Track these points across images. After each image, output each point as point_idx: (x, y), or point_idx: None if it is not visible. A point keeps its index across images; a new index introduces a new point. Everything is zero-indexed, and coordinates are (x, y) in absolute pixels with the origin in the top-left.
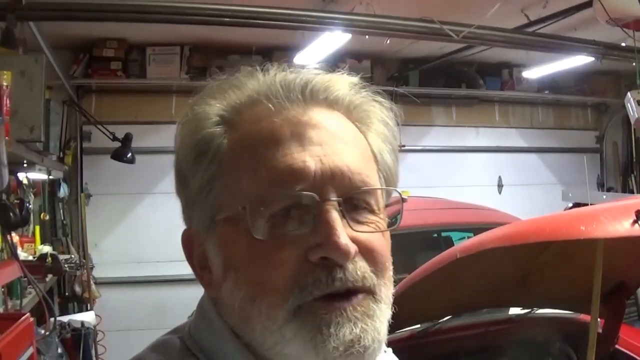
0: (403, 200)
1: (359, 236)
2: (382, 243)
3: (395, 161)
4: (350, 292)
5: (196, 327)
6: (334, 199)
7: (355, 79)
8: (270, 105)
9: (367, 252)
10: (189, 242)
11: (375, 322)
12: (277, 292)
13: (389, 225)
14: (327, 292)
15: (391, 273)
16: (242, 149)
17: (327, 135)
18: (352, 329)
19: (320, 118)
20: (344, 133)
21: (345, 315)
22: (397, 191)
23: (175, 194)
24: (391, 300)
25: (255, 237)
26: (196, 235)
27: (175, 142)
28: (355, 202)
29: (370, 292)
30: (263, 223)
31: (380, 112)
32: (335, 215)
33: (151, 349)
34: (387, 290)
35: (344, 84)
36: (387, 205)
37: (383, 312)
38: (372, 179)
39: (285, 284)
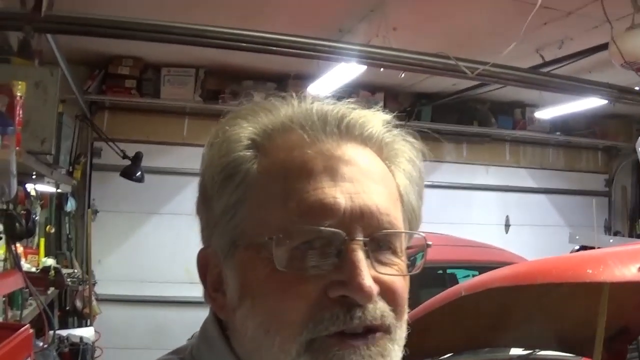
0: (428, 246)
1: (381, 277)
2: (402, 285)
3: (420, 203)
4: (368, 331)
5: (198, 350)
6: (361, 238)
7: (388, 117)
8: (304, 135)
9: (387, 293)
10: (204, 262)
11: None
12: (292, 325)
13: (408, 266)
14: (342, 329)
15: (406, 314)
16: (271, 177)
17: (359, 172)
18: None
19: (353, 154)
20: (375, 171)
21: (359, 353)
22: (422, 235)
23: (196, 213)
24: (404, 340)
25: (278, 268)
26: (213, 256)
27: (203, 161)
28: (380, 242)
29: (388, 331)
30: (286, 254)
31: (409, 152)
32: (361, 255)
33: None
34: (402, 333)
35: (378, 120)
36: (408, 248)
37: (396, 353)
38: (399, 220)
39: (302, 318)
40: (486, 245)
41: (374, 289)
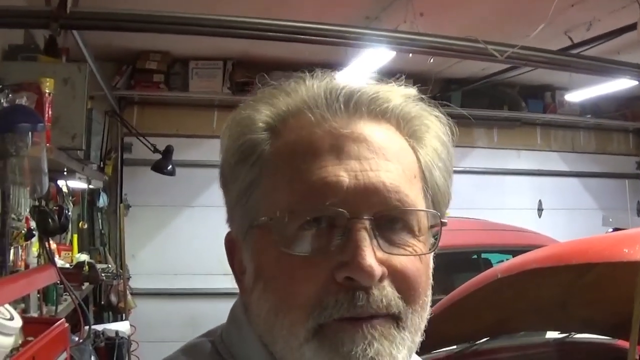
0: (442, 224)
1: (390, 259)
2: (417, 267)
3: (447, 180)
4: (374, 316)
5: (227, 332)
6: (365, 217)
7: (411, 91)
8: (313, 116)
9: (398, 277)
10: (231, 246)
11: (393, 347)
12: (299, 309)
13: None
14: (346, 316)
15: (427, 299)
16: (281, 158)
17: (368, 149)
18: (366, 350)
19: (365, 131)
20: (388, 148)
21: (362, 332)
22: (437, 213)
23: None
24: (421, 327)
25: (282, 249)
26: (236, 239)
27: (221, 147)
28: (392, 221)
29: (395, 318)
30: (292, 233)
31: (435, 127)
32: (363, 235)
33: (182, 352)
34: (416, 318)
35: (395, 95)
36: (432, 227)
37: (405, 340)
38: (412, 198)
39: (308, 302)
40: (520, 229)
41: (376, 269)
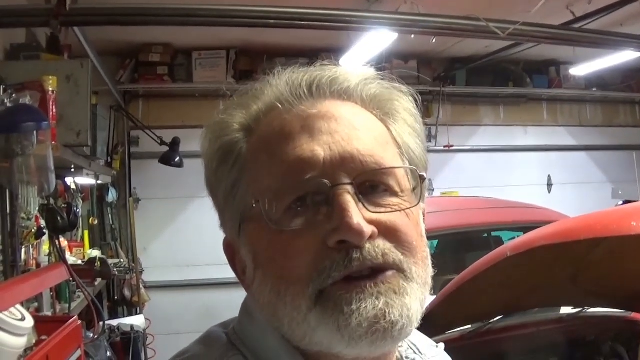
0: (422, 179)
1: (378, 217)
2: (405, 223)
3: (420, 145)
4: (376, 271)
5: (240, 323)
6: (346, 182)
7: (369, 72)
8: (281, 106)
9: (389, 233)
10: (229, 250)
11: (403, 298)
12: (298, 281)
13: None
14: (346, 273)
15: (425, 254)
16: (258, 150)
17: (337, 124)
18: (375, 304)
19: (331, 109)
20: (356, 120)
21: (367, 291)
22: (415, 168)
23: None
24: (427, 281)
25: (272, 227)
26: (233, 241)
27: (202, 155)
28: (372, 184)
29: (398, 269)
30: (279, 215)
31: (401, 100)
32: (347, 198)
33: (198, 342)
34: (419, 270)
35: (353, 76)
36: (414, 189)
37: (414, 290)
38: (388, 160)
39: (306, 272)
40: (529, 206)
41: (365, 227)
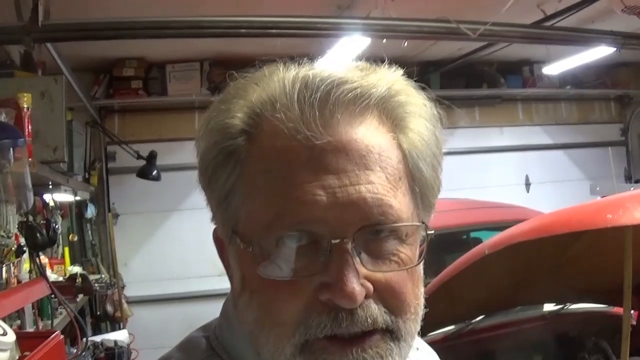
0: (429, 235)
1: (374, 275)
2: (402, 277)
3: (436, 170)
4: (363, 335)
5: (220, 329)
6: (346, 237)
7: (396, 77)
8: (285, 119)
9: (384, 292)
10: (220, 243)
11: None
12: (284, 326)
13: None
14: (331, 334)
15: (418, 302)
16: (257, 168)
17: (347, 160)
18: None
19: (342, 138)
20: (369, 154)
21: (352, 356)
22: (423, 224)
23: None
24: (417, 329)
25: (259, 274)
26: (223, 238)
27: (197, 153)
28: (376, 232)
29: (387, 330)
30: (271, 253)
31: (421, 113)
32: (345, 258)
33: (177, 349)
34: (409, 325)
35: (378, 86)
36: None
37: (402, 349)
38: (396, 207)
39: (293, 319)
40: (506, 205)
41: (360, 293)
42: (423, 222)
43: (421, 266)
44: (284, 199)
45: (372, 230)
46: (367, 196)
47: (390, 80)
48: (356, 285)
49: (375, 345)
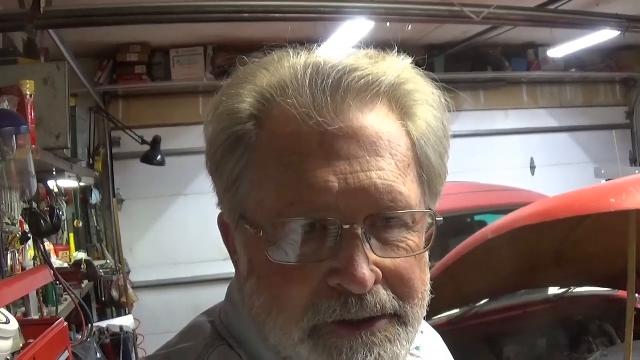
0: (437, 222)
1: (384, 262)
2: (411, 264)
3: (442, 158)
4: (372, 319)
5: (226, 314)
6: (357, 223)
7: (405, 65)
8: (297, 104)
9: (393, 279)
10: (225, 227)
11: (395, 346)
12: (292, 310)
13: (428, 238)
14: (341, 319)
15: (425, 288)
16: (267, 154)
17: (358, 146)
18: (367, 357)
19: (353, 124)
20: (379, 140)
21: (361, 340)
22: (431, 212)
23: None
24: (423, 314)
25: (269, 259)
26: (229, 223)
27: (205, 137)
28: (386, 220)
29: (395, 315)
30: (279, 239)
31: (430, 101)
32: (355, 243)
33: (182, 335)
34: (416, 310)
35: (387, 73)
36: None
37: (409, 334)
38: (406, 194)
39: (301, 304)
40: (511, 188)
41: (369, 278)
42: (430, 209)
43: (427, 255)
44: (296, 186)
45: (382, 217)
46: (377, 182)
47: (399, 68)
48: (366, 271)
49: (383, 329)
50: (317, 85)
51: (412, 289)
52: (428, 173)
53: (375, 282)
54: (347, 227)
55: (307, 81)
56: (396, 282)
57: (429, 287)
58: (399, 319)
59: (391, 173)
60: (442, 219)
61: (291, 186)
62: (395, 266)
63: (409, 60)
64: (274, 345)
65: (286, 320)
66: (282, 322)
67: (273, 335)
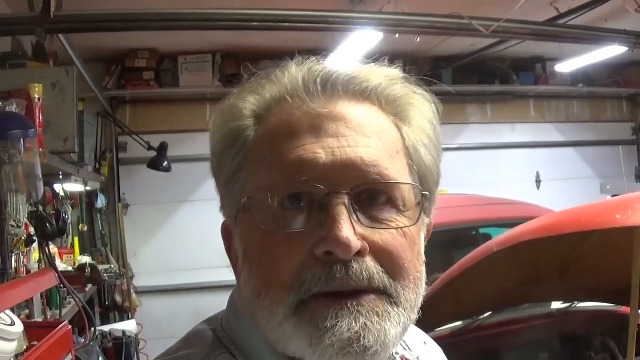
0: (424, 196)
1: (372, 234)
2: (400, 243)
3: (435, 158)
4: (359, 292)
5: (227, 320)
6: (343, 191)
7: (393, 72)
8: (292, 100)
9: (381, 254)
10: (227, 234)
11: (384, 322)
12: (279, 287)
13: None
14: (326, 290)
15: (418, 274)
16: (263, 142)
17: (347, 127)
18: (352, 324)
19: (342, 110)
20: (368, 125)
21: (347, 308)
22: (419, 186)
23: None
24: (416, 304)
25: (261, 227)
26: (230, 226)
27: (210, 136)
28: (373, 197)
29: (384, 293)
30: (271, 214)
31: (421, 106)
32: (340, 209)
33: (183, 342)
34: (408, 293)
35: (376, 75)
36: (419, 203)
37: (400, 316)
38: (393, 172)
39: (288, 279)
40: (516, 202)
41: (354, 242)
42: (418, 187)
43: (422, 245)
44: (286, 160)
45: (370, 192)
46: (364, 156)
47: (387, 73)
48: (350, 234)
49: (372, 302)
50: (309, 79)
51: (402, 268)
52: (419, 166)
53: (363, 254)
54: (332, 195)
55: (300, 77)
56: (385, 258)
57: (424, 277)
58: (389, 297)
59: (378, 151)
60: (428, 193)
61: (281, 161)
62: (384, 242)
63: (397, 69)
64: (266, 334)
65: (273, 299)
66: (269, 302)
67: (262, 318)
